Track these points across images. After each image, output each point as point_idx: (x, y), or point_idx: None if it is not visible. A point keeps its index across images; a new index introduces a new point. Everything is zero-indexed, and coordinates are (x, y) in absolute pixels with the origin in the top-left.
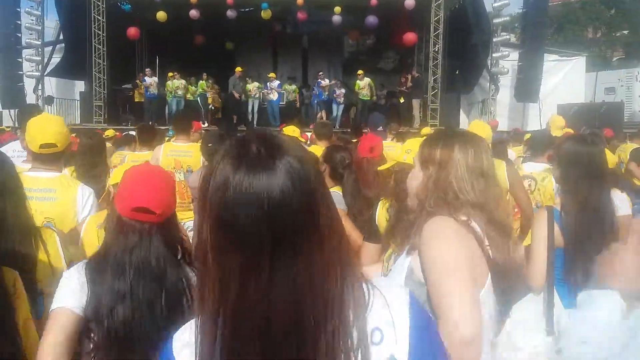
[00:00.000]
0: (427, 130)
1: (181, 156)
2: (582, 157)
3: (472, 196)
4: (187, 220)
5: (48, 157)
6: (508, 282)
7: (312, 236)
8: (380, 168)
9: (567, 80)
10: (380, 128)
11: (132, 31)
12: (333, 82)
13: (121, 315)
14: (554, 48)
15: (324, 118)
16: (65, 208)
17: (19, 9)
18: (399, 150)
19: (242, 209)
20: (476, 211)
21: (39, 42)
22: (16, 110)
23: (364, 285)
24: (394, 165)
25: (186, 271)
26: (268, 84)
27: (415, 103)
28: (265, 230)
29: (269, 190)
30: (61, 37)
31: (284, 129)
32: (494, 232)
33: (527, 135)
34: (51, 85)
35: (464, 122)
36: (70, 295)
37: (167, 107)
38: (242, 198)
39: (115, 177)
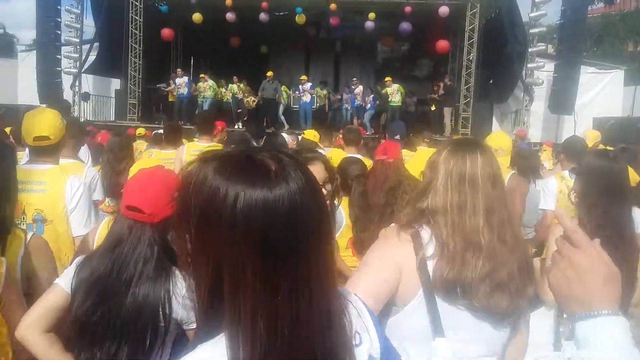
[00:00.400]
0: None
1: None
2: (601, 173)
3: (441, 204)
4: None
5: (42, 150)
6: (466, 298)
7: (318, 251)
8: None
9: (604, 94)
10: (398, 137)
11: (167, 32)
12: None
13: (86, 307)
14: (591, 60)
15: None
16: (54, 199)
17: (59, 7)
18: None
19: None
20: (443, 219)
21: (78, 40)
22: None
23: (343, 298)
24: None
25: (173, 280)
26: (300, 86)
27: (447, 111)
28: (278, 245)
29: (283, 204)
30: (98, 35)
31: (304, 132)
32: (457, 244)
33: (545, 147)
34: (88, 82)
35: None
36: (65, 275)
37: (198, 108)
38: (258, 213)
39: (132, 173)
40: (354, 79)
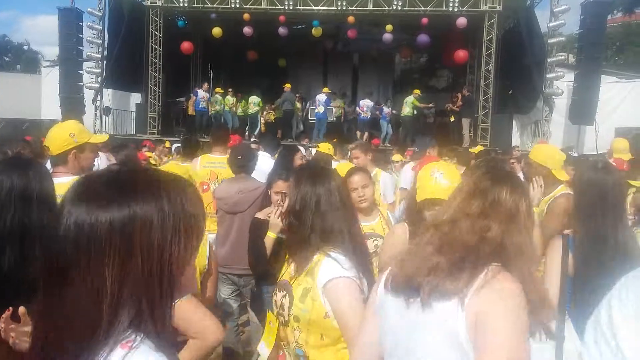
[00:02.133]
0: (479, 148)
1: (217, 167)
2: (594, 185)
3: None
4: (211, 233)
5: (51, 160)
6: None
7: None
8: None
9: (626, 103)
10: (430, 152)
11: (186, 45)
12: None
13: None
14: (613, 70)
15: (364, 138)
16: None
17: (81, 23)
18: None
19: None
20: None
21: (99, 55)
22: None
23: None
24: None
25: None
26: (317, 97)
27: (465, 122)
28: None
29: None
30: (119, 50)
31: (319, 145)
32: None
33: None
34: (108, 96)
35: (516, 143)
36: None
37: (214, 122)
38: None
39: None
40: (371, 93)
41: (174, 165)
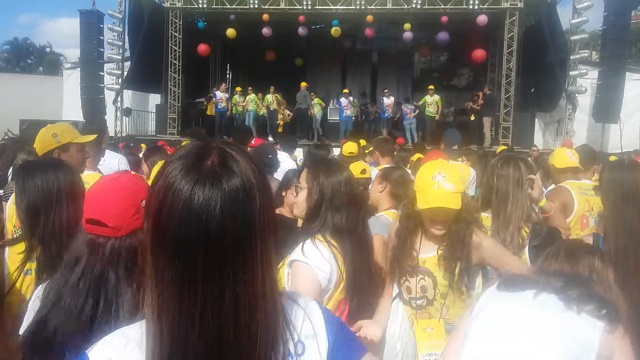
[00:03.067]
0: (502, 148)
1: None
2: (620, 183)
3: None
4: None
5: None
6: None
7: (247, 258)
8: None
9: None
10: (456, 147)
11: (203, 47)
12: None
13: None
14: (637, 67)
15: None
16: None
17: (102, 25)
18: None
19: (179, 219)
20: None
21: (120, 57)
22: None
23: (286, 301)
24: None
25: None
26: (342, 99)
27: (486, 121)
28: (199, 245)
29: (209, 206)
30: (139, 52)
31: (343, 145)
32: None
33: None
34: (129, 97)
35: (539, 142)
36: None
37: (234, 122)
38: (182, 208)
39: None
40: (386, 90)
41: None
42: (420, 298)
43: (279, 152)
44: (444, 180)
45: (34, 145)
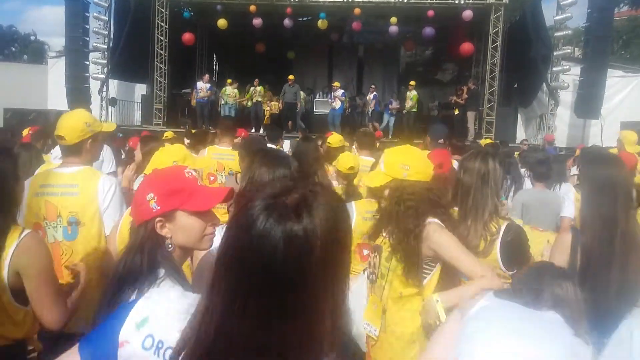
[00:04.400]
0: (486, 142)
1: (224, 159)
2: (594, 177)
3: None
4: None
5: (64, 150)
6: None
7: (294, 300)
8: (370, 184)
9: (632, 97)
10: (442, 141)
11: (188, 36)
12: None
13: None
14: (618, 63)
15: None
16: (87, 201)
17: (87, 14)
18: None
19: (240, 247)
20: None
21: (105, 46)
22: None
23: None
24: (390, 182)
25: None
26: (332, 93)
27: (470, 115)
28: (252, 273)
29: (267, 244)
30: (125, 41)
31: (329, 138)
32: None
33: (578, 152)
34: (114, 87)
35: (521, 137)
36: None
37: (221, 113)
38: (244, 237)
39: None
40: (373, 85)
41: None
42: (372, 274)
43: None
44: (382, 163)
45: (61, 133)
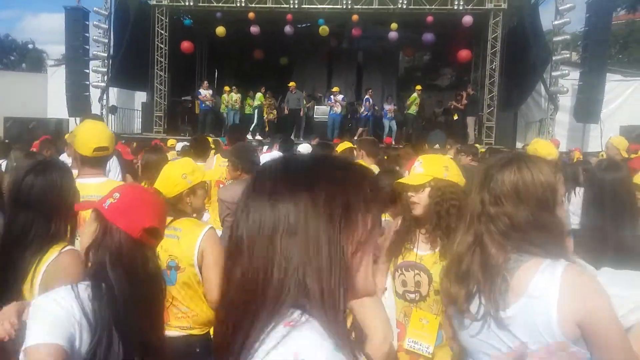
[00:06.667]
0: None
1: None
2: (594, 182)
3: None
4: None
5: (98, 161)
6: None
7: None
8: (411, 182)
9: (630, 101)
10: (437, 146)
11: (186, 45)
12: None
13: None
14: (617, 67)
15: (364, 134)
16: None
17: (87, 22)
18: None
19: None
20: None
21: (105, 54)
22: (79, 119)
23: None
24: (431, 181)
25: None
26: (332, 97)
27: (470, 120)
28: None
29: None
30: (125, 49)
31: (339, 145)
32: None
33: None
34: (114, 95)
35: (521, 141)
36: None
37: (226, 120)
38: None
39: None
40: (370, 89)
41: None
42: (414, 292)
43: (275, 151)
44: (419, 165)
45: (104, 144)
